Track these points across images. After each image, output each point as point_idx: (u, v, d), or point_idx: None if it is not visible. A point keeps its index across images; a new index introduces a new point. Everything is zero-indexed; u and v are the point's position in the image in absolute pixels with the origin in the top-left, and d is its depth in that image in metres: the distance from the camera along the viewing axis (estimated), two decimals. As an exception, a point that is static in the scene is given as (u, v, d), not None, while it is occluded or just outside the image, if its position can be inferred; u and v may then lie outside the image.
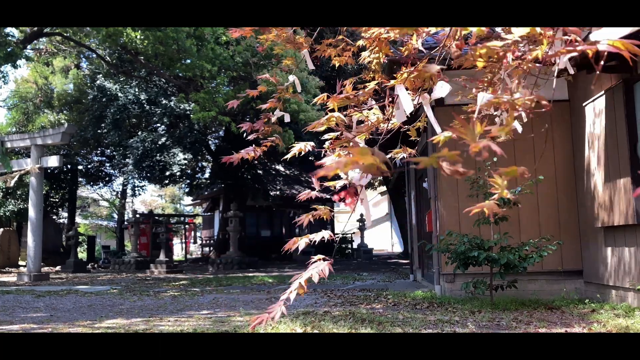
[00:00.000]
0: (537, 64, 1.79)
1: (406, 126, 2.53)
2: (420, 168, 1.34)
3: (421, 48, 2.31)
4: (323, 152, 2.48)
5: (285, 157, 2.48)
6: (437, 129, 2.23)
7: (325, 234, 1.84)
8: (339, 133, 2.36)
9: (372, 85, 2.39)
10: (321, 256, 1.64)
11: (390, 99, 2.30)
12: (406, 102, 1.93)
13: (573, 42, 1.49)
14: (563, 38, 1.70)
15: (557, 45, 1.68)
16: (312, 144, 2.44)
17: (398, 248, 27.92)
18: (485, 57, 1.63)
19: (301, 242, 1.79)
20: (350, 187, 1.93)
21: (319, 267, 1.56)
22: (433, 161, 1.20)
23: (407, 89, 2.20)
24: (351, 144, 2.31)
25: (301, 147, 2.40)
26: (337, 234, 26.25)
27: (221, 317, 5.77)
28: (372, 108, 2.49)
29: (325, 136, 2.46)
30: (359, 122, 2.44)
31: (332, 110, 2.33)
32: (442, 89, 1.95)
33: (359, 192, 1.90)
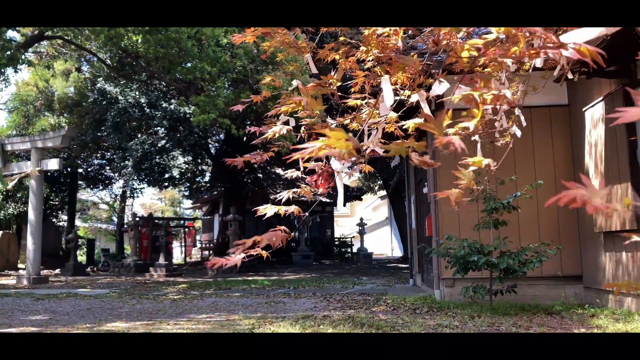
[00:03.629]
0: (510, 62, 1.83)
1: (402, 122, 2.55)
2: (390, 156, 1.36)
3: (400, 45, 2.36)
4: (297, 137, 2.55)
5: (264, 129, 2.50)
6: None
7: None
8: (314, 119, 2.43)
9: (360, 76, 2.43)
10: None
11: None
12: (388, 95, 1.95)
13: (546, 42, 1.51)
14: (540, 35, 1.72)
15: (535, 44, 1.71)
16: (289, 127, 2.49)
17: (398, 252, 27.89)
18: (468, 51, 1.68)
19: (270, 211, 1.92)
20: (324, 171, 2.01)
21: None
22: (402, 150, 1.20)
23: (403, 86, 2.22)
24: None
25: (276, 130, 2.45)
26: (337, 237, 26.25)
27: (221, 320, 5.77)
28: (364, 98, 2.53)
29: (302, 122, 2.52)
30: (343, 112, 2.50)
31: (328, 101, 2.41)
32: (440, 87, 1.96)
33: (337, 178, 1.98)
